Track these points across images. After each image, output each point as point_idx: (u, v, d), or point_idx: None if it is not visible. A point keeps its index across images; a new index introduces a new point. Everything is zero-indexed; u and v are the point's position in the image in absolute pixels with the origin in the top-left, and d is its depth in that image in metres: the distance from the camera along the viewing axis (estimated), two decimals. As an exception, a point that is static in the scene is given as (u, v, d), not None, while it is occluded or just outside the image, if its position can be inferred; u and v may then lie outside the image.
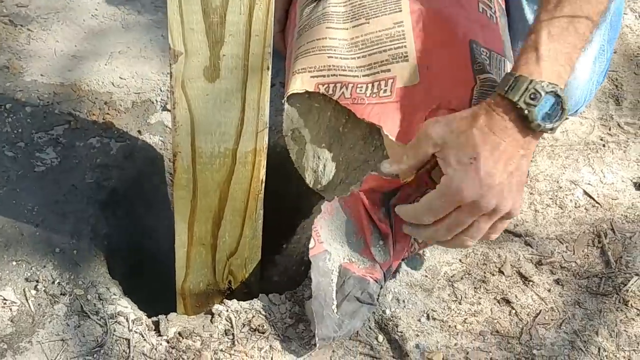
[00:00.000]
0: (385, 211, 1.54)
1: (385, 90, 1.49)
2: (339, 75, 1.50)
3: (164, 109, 1.93)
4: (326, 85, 1.50)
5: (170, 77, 1.35)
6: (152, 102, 1.94)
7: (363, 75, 1.51)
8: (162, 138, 1.89)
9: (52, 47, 2.02)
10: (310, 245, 1.51)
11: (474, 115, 1.39)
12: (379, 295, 1.58)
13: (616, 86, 2.06)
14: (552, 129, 1.39)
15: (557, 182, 1.85)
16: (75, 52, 2.02)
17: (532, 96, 1.37)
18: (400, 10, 1.53)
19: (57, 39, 2.05)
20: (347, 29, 1.56)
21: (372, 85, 1.50)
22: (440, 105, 1.48)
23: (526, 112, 1.37)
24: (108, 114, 1.90)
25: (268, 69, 1.36)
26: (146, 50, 2.04)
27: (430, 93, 1.49)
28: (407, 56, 1.50)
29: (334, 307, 1.52)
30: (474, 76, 1.48)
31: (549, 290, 1.67)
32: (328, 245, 1.53)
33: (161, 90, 1.96)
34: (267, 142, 1.47)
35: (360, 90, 1.50)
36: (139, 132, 1.89)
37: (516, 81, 1.37)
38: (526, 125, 1.38)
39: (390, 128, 1.48)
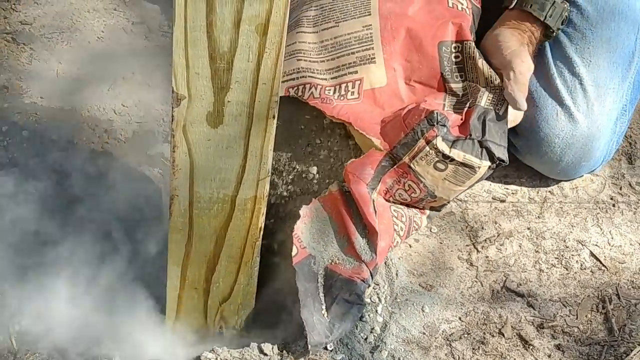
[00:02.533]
0: (372, 205, 1.55)
1: (352, 93, 1.56)
2: (308, 76, 1.56)
3: (166, 140, 1.88)
4: (295, 88, 1.56)
5: (172, 120, 1.30)
6: (154, 133, 1.89)
7: (331, 78, 1.57)
8: (162, 171, 1.84)
9: (54, 69, 1.98)
10: (293, 253, 1.50)
11: (529, 42, 1.64)
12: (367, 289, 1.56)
13: (630, 144, 2.01)
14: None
15: (564, 241, 1.80)
16: (78, 76, 1.98)
17: (563, 22, 1.68)
18: (370, 14, 1.58)
19: (60, 61, 2.00)
20: (317, 32, 1.60)
21: (340, 87, 1.57)
22: (411, 109, 1.54)
23: (555, 34, 1.69)
24: (107, 142, 1.85)
25: (274, 117, 1.32)
26: (151, 78, 1.99)
27: (397, 95, 1.55)
28: (374, 58, 1.56)
29: (323, 312, 1.51)
30: (444, 81, 1.57)
31: (549, 356, 1.61)
32: (312, 249, 1.53)
33: (163, 121, 1.91)
34: (268, 190, 1.42)
35: (328, 92, 1.56)
36: (138, 163, 1.84)
37: (554, 8, 1.65)
38: (543, 37, 1.69)
39: (361, 124, 1.55)
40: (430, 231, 1.78)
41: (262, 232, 1.48)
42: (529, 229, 1.81)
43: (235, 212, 1.43)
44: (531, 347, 1.62)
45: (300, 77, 1.56)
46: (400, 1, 1.59)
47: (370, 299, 1.63)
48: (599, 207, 1.87)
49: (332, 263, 1.54)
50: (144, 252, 1.69)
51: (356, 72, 1.56)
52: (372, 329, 1.60)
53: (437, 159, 1.53)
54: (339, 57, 1.57)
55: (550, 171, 1.87)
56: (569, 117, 1.77)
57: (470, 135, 1.52)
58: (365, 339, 1.59)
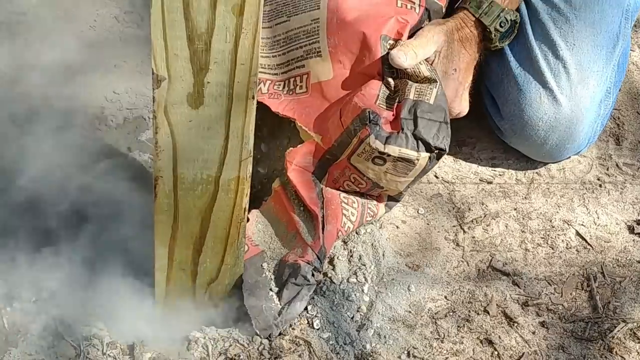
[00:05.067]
0: (319, 192, 1.61)
1: (301, 87, 1.61)
2: (259, 71, 1.60)
3: (156, 126, 1.90)
4: None
5: (153, 101, 1.33)
6: (145, 119, 1.92)
7: (281, 73, 1.63)
8: (152, 156, 1.87)
9: (47, 58, 2.00)
10: (245, 250, 1.56)
11: (455, 28, 1.67)
12: (317, 273, 1.60)
13: (617, 125, 2.03)
14: (501, 47, 1.76)
15: (550, 221, 1.82)
16: (70, 64, 2.00)
17: (501, 24, 1.70)
18: (319, 8, 1.62)
19: (53, 49, 2.03)
20: (271, 27, 1.64)
21: (288, 82, 1.62)
22: (351, 98, 1.58)
23: (492, 35, 1.71)
24: (98, 129, 1.88)
25: (253, 97, 1.34)
26: (142, 65, 2.02)
27: (343, 88, 1.59)
28: (320, 51, 1.60)
29: (274, 299, 1.56)
30: (383, 72, 1.59)
31: (534, 333, 1.63)
32: (263, 246, 1.61)
33: (154, 107, 1.93)
34: (250, 171, 1.44)
35: (278, 87, 1.61)
36: (129, 149, 1.87)
37: (490, 6, 1.67)
38: (485, 44, 1.72)
39: (304, 120, 1.60)
40: (418, 212, 1.80)
41: (246, 213, 1.50)
42: (515, 209, 1.83)
43: (219, 193, 1.45)
44: (516, 324, 1.64)
45: None
46: None
47: (357, 278, 1.65)
48: (586, 188, 1.89)
49: (285, 256, 1.60)
50: (133, 235, 1.70)
51: (303, 66, 1.61)
52: (359, 308, 1.62)
53: (373, 155, 1.56)
54: (289, 52, 1.62)
55: (535, 154, 1.89)
56: (553, 100, 1.79)
57: (403, 129, 1.54)
58: (352, 317, 1.61)
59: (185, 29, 1.25)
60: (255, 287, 1.57)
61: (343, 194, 1.65)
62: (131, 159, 1.86)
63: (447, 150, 1.59)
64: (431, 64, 1.64)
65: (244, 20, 1.24)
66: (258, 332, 1.54)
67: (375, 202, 1.69)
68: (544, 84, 1.79)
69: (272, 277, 1.59)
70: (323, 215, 1.61)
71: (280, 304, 1.57)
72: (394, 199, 1.71)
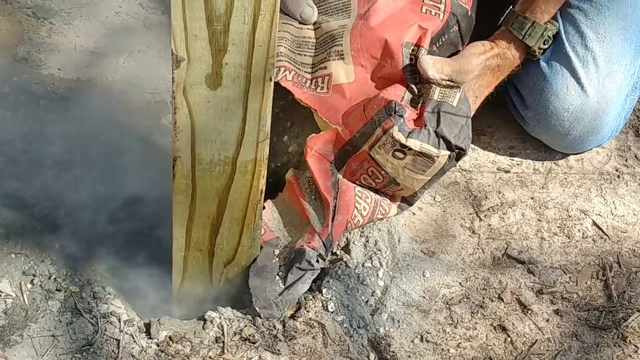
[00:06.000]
0: (334, 181, 1.64)
1: (322, 87, 1.64)
2: (285, 61, 1.63)
3: (177, 110, 1.93)
4: None
5: (172, 82, 1.35)
6: (166, 103, 1.94)
7: (306, 72, 1.65)
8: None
9: (72, 42, 2.04)
10: (262, 232, 1.60)
11: (497, 55, 1.70)
12: (321, 260, 1.63)
13: (637, 117, 2.03)
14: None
15: (567, 210, 1.82)
16: (95, 48, 2.03)
17: (545, 42, 1.73)
18: (349, 17, 1.65)
19: (78, 34, 2.06)
20: (302, 28, 1.67)
21: (311, 82, 1.64)
22: (376, 94, 1.61)
23: (536, 53, 1.74)
24: (121, 112, 1.90)
25: (271, 79, 1.35)
26: (166, 51, 2.04)
27: (364, 91, 1.61)
28: (342, 54, 1.62)
29: (279, 284, 1.60)
30: (406, 78, 1.62)
31: (548, 320, 1.64)
32: (280, 234, 1.65)
33: (176, 92, 1.95)
34: (267, 153, 1.46)
35: (302, 80, 1.64)
36: (150, 132, 1.89)
37: (533, 28, 1.70)
38: (527, 58, 1.75)
39: (325, 113, 1.63)
40: (434, 200, 1.82)
41: (263, 195, 1.52)
42: (532, 198, 1.84)
43: (236, 174, 1.47)
44: (530, 311, 1.65)
45: (278, 61, 1.62)
46: (376, 3, 1.64)
47: (372, 263, 1.67)
48: (604, 178, 1.89)
49: (294, 243, 1.64)
50: (154, 216, 1.73)
51: (325, 67, 1.64)
52: (373, 292, 1.64)
53: (395, 147, 1.58)
54: (317, 55, 1.66)
55: (557, 144, 1.89)
56: (580, 91, 1.79)
57: (425, 125, 1.56)
58: (366, 301, 1.63)
59: (204, 10, 1.27)
60: (262, 271, 1.59)
61: (358, 188, 1.67)
62: (153, 141, 1.88)
63: (467, 151, 1.61)
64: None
65: (262, 2, 1.26)
66: (258, 311, 1.56)
67: (388, 201, 1.70)
68: (571, 74, 1.79)
69: (282, 264, 1.62)
70: (335, 204, 1.63)
71: (284, 286, 1.59)
72: (407, 201, 1.72)
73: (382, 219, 1.72)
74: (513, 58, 1.72)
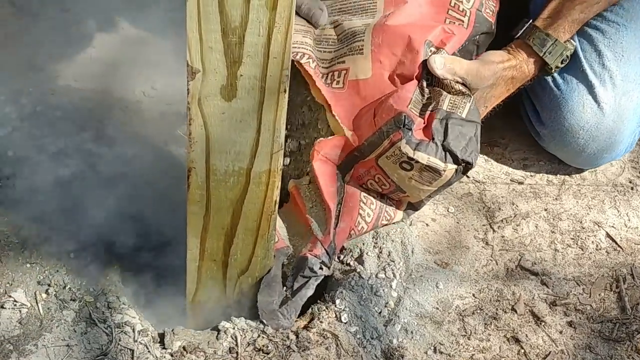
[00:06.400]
0: (340, 186, 1.64)
1: (338, 82, 1.64)
2: (310, 51, 1.65)
3: (192, 121, 1.94)
4: (294, 53, 1.62)
5: (187, 93, 1.36)
6: (181, 114, 1.95)
7: (323, 67, 1.66)
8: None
9: (89, 52, 2.05)
10: (275, 240, 1.61)
11: (514, 66, 1.70)
12: (325, 267, 1.63)
13: (651, 129, 2.02)
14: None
15: (581, 222, 1.82)
16: (112, 59, 2.05)
17: (562, 62, 1.73)
18: (373, 17, 1.66)
19: (94, 45, 2.07)
20: (324, 28, 1.69)
21: (327, 76, 1.65)
22: (386, 98, 1.61)
23: (552, 71, 1.74)
24: (136, 123, 1.92)
25: (285, 91, 1.36)
26: (182, 63, 2.04)
27: (379, 88, 1.62)
28: (362, 49, 1.62)
29: (285, 293, 1.61)
30: (421, 76, 1.62)
31: (561, 332, 1.64)
32: (288, 242, 1.66)
33: (191, 103, 1.97)
34: (281, 164, 1.47)
35: (320, 73, 1.65)
36: (165, 143, 1.90)
37: (554, 46, 1.71)
38: (541, 74, 1.75)
39: (338, 111, 1.63)
40: (448, 211, 1.82)
41: (277, 205, 1.53)
42: (545, 210, 1.84)
43: (250, 185, 1.48)
44: (543, 323, 1.65)
45: (302, 48, 1.64)
46: (402, 4, 1.65)
47: (386, 274, 1.67)
48: (617, 190, 1.89)
49: (299, 252, 1.65)
50: (169, 226, 1.74)
51: (344, 62, 1.64)
52: (386, 303, 1.64)
53: (402, 159, 1.58)
54: (336, 50, 1.66)
55: (572, 160, 1.90)
56: (596, 109, 1.79)
57: (433, 138, 1.56)
58: (379, 312, 1.63)
59: (220, 22, 1.28)
60: (272, 281, 1.60)
61: (364, 194, 1.67)
62: (167, 151, 1.89)
63: (475, 165, 1.60)
64: (473, 93, 1.66)
65: (277, 15, 1.27)
66: (266, 323, 1.58)
67: (394, 207, 1.71)
68: (588, 92, 1.79)
69: (291, 274, 1.63)
70: (339, 211, 1.64)
71: (289, 294, 1.61)
72: (414, 206, 1.73)
73: (387, 224, 1.73)
74: (528, 72, 1.72)
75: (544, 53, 1.70)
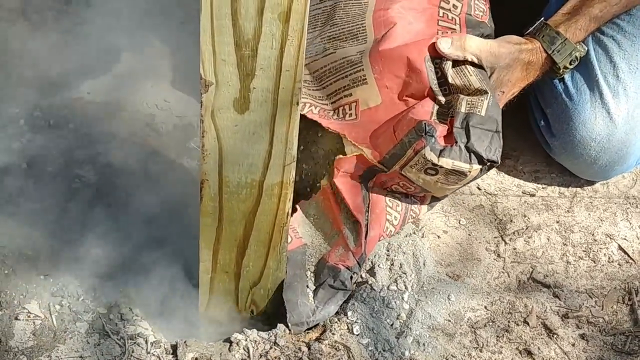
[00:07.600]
0: (365, 195, 1.65)
1: (350, 114, 1.64)
2: (309, 96, 1.65)
3: (204, 134, 1.95)
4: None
5: (201, 106, 1.37)
6: (194, 127, 1.96)
7: (330, 103, 1.65)
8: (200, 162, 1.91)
9: (102, 65, 2.06)
10: (289, 241, 1.60)
11: (529, 50, 1.67)
12: (354, 280, 1.65)
13: (663, 141, 2.02)
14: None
15: (593, 234, 1.82)
16: (124, 72, 2.06)
17: (571, 62, 1.70)
18: (365, 42, 1.65)
19: (108, 58, 2.08)
20: (317, 60, 1.68)
21: (337, 111, 1.65)
22: (405, 114, 1.61)
23: (560, 71, 1.71)
24: (149, 135, 1.93)
25: (297, 103, 1.37)
26: (195, 76, 2.06)
27: (393, 110, 1.62)
28: (365, 79, 1.62)
29: (310, 296, 1.61)
30: (433, 92, 1.61)
31: (573, 345, 1.64)
32: (307, 239, 1.66)
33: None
34: (294, 176, 1.47)
35: (328, 113, 1.64)
36: (178, 155, 1.91)
37: (564, 45, 1.68)
38: (549, 74, 1.72)
39: (354, 137, 1.64)
40: (459, 223, 1.82)
41: (289, 217, 1.53)
42: (557, 222, 1.84)
43: (263, 197, 1.49)
44: (555, 336, 1.65)
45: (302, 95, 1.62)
46: (391, 21, 1.65)
47: (397, 286, 1.67)
48: (629, 202, 1.89)
49: (326, 253, 1.65)
50: (182, 238, 1.74)
51: (350, 94, 1.64)
52: (398, 315, 1.64)
53: (426, 166, 1.58)
54: (335, 82, 1.66)
55: (583, 172, 1.90)
56: (608, 121, 1.79)
57: (456, 142, 1.56)
58: (391, 324, 1.63)
59: (233, 35, 1.28)
60: (293, 280, 1.61)
61: (388, 197, 1.67)
62: (179, 164, 1.90)
63: (499, 161, 1.60)
64: (490, 75, 1.65)
65: (290, 28, 1.28)
66: (290, 327, 1.58)
67: (418, 204, 1.72)
68: (601, 104, 1.79)
69: (311, 272, 1.64)
70: (367, 221, 1.64)
71: (315, 302, 1.61)
72: (437, 199, 1.75)
73: (412, 221, 1.76)
74: (540, 63, 1.69)
75: (553, 51, 1.68)
